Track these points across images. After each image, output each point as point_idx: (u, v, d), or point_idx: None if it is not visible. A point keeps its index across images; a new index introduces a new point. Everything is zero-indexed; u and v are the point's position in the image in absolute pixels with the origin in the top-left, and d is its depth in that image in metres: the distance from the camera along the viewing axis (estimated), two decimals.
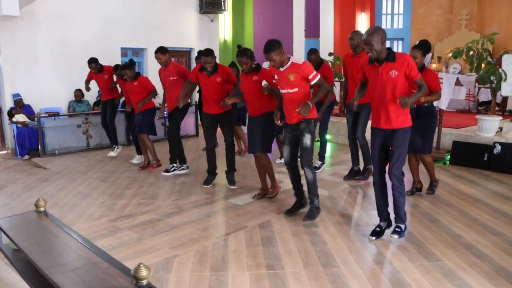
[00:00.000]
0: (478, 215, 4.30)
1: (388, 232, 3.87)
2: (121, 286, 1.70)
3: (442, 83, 6.29)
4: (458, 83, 6.60)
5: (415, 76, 3.47)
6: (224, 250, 3.56)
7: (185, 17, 10.64)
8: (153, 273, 3.16)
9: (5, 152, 8.25)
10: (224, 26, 11.27)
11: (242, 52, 4.52)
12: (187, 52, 10.84)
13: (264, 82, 4.45)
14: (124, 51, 9.87)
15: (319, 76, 3.98)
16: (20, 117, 7.82)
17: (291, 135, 4.15)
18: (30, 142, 7.67)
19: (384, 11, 13.51)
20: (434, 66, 11.76)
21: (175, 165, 6.04)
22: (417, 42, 4.70)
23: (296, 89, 3.96)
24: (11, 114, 7.88)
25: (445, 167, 6.38)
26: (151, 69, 10.07)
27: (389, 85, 3.46)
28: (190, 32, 10.77)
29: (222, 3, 10.82)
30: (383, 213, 3.82)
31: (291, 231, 3.93)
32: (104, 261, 1.96)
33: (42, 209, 2.65)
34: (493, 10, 11.42)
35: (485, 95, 9.60)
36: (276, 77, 4.10)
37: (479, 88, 9.58)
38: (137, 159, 6.86)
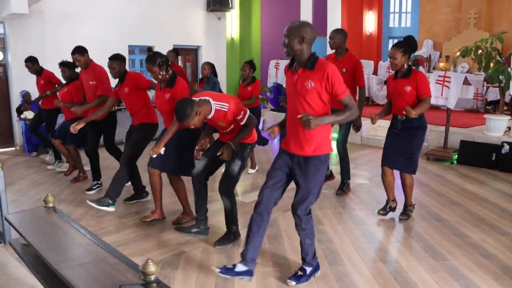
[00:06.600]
0: (485, 215, 4.28)
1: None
2: (129, 281, 1.71)
3: (450, 82, 6.29)
4: (466, 82, 6.57)
5: (340, 94, 2.67)
6: (230, 247, 3.57)
7: (192, 15, 10.65)
8: (160, 270, 3.17)
9: (14, 148, 8.32)
10: (231, 24, 11.27)
11: (149, 58, 3.75)
12: (194, 50, 10.85)
13: None
14: (131, 49, 9.91)
15: (247, 115, 3.36)
16: (29, 114, 7.88)
17: (217, 152, 3.45)
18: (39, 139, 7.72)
19: (392, 10, 13.44)
20: (442, 65, 11.69)
21: (98, 182, 5.38)
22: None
23: (231, 128, 3.44)
24: (19, 111, 7.95)
25: (452, 166, 6.35)
26: None
27: (302, 98, 2.71)
28: (197, 30, 10.77)
29: (230, 1, 10.81)
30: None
31: None
32: (112, 256, 1.98)
33: (51, 204, 2.68)
34: (502, 9, 11.31)
35: (493, 94, 9.53)
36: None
37: (487, 87, 9.52)
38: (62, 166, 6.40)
